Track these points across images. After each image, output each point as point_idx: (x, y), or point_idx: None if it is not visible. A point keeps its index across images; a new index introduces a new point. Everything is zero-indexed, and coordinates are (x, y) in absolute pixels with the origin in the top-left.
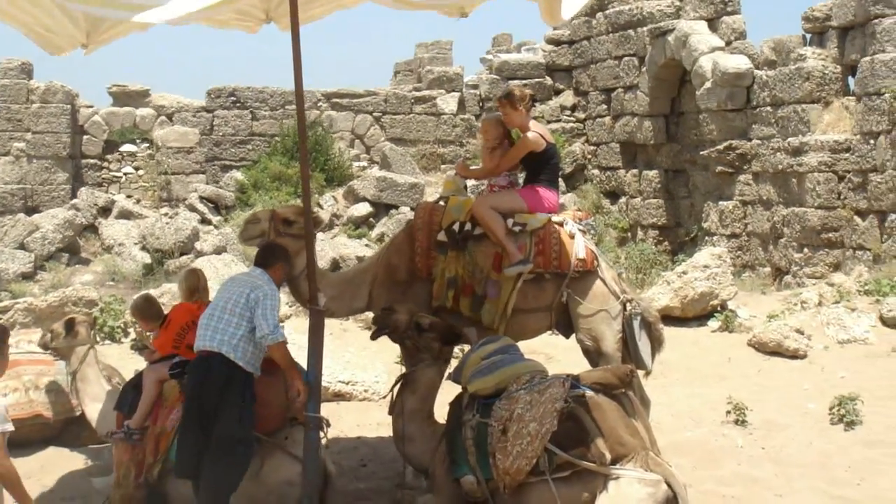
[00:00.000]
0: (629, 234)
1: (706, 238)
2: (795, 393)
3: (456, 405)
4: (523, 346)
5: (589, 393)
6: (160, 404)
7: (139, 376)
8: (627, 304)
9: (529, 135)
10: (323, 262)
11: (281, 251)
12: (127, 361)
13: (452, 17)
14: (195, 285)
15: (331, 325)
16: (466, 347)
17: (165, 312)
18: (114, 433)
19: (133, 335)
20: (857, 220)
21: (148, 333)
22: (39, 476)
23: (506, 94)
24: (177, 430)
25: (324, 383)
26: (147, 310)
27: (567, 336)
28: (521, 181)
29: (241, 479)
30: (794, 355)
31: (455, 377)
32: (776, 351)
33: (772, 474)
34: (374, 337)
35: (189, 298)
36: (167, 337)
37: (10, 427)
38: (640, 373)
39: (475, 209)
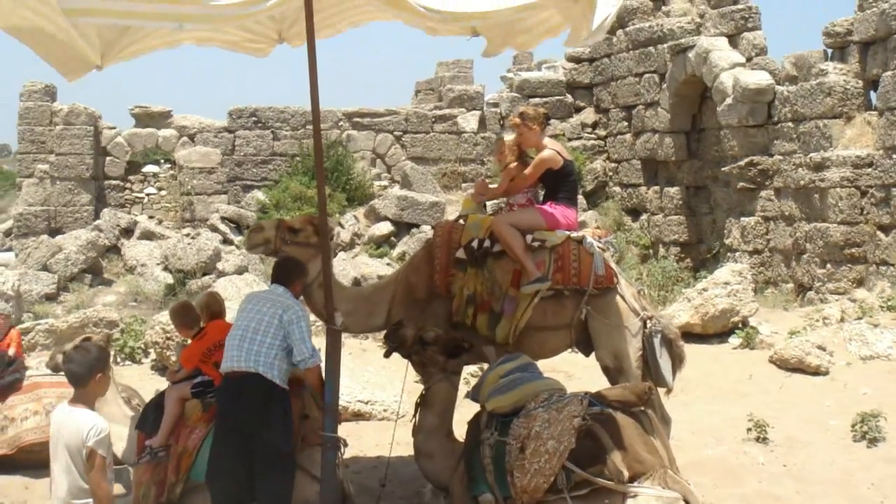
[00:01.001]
0: (651, 251)
1: (728, 254)
2: (817, 410)
3: (474, 423)
4: (543, 364)
5: (607, 411)
6: (182, 423)
7: (161, 396)
8: (647, 322)
9: (546, 153)
10: (344, 281)
11: (298, 267)
12: (147, 382)
13: (464, 35)
14: (217, 309)
15: (350, 344)
16: (485, 365)
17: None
18: (140, 458)
19: (153, 356)
20: (881, 235)
21: (169, 354)
22: None
23: (518, 113)
24: (198, 451)
25: (343, 403)
26: (182, 315)
27: (587, 354)
28: (540, 198)
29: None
30: (816, 372)
31: (473, 395)
32: (798, 367)
33: (793, 492)
34: (386, 355)
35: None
36: (198, 349)
37: (102, 451)
38: (661, 390)
39: (494, 226)
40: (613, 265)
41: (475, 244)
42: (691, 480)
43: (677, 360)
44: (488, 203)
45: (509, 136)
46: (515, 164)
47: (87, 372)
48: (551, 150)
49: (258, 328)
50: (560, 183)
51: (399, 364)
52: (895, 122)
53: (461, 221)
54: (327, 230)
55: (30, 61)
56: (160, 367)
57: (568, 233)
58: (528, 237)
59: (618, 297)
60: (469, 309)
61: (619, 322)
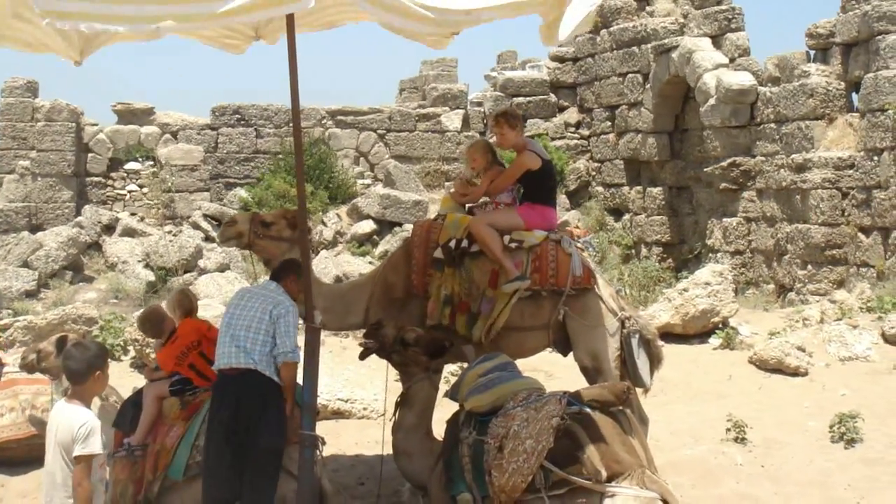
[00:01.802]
0: (633, 251)
1: (710, 255)
2: (796, 411)
3: (453, 423)
4: (523, 363)
5: (585, 410)
6: (160, 421)
7: (139, 393)
8: (626, 322)
9: (526, 153)
10: (326, 279)
11: (291, 264)
12: (126, 379)
13: (438, 48)
14: (189, 307)
15: (330, 342)
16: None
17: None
18: (115, 452)
19: (133, 353)
20: (861, 236)
21: (148, 352)
22: (36, 495)
23: (501, 113)
24: (176, 449)
25: (323, 401)
26: (151, 325)
27: (565, 354)
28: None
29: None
30: (795, 373)
31: (452, 394)
32: (777, 368)
33: (771, 493)
34: (362, 357)
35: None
36: (171, 352)
37: (97, 449)
38: (639, 390)
39: (472, 226)
40: (592, 265)
41: (453, 244)
42: (669, 480)
43: (655, 360)
44: None
45: (473, 143)
46: (494, 166)
47: (85, 369)
48: (530, 151)
49: (250, 325)
50: (539, 183)
51: (379, 362)
52: (877, 124)
53: (439, 220)
54: (306, 225)
55: (10, 57)
56: (139, 365)
57: (546, 233)
58: (506, 238)
59: (596, 298)
60: (446, 309)
61: (597, 322)
